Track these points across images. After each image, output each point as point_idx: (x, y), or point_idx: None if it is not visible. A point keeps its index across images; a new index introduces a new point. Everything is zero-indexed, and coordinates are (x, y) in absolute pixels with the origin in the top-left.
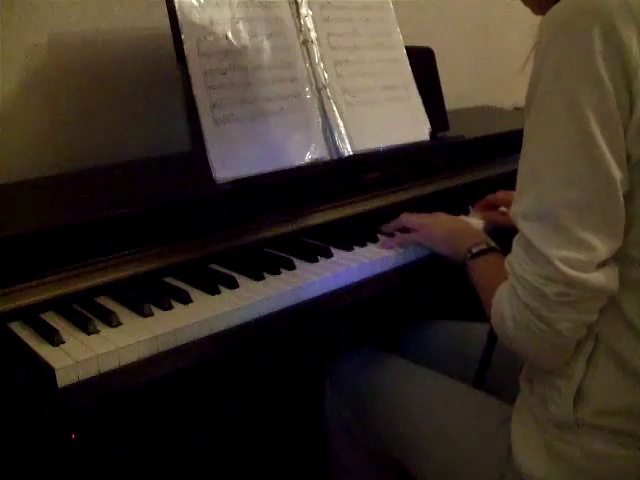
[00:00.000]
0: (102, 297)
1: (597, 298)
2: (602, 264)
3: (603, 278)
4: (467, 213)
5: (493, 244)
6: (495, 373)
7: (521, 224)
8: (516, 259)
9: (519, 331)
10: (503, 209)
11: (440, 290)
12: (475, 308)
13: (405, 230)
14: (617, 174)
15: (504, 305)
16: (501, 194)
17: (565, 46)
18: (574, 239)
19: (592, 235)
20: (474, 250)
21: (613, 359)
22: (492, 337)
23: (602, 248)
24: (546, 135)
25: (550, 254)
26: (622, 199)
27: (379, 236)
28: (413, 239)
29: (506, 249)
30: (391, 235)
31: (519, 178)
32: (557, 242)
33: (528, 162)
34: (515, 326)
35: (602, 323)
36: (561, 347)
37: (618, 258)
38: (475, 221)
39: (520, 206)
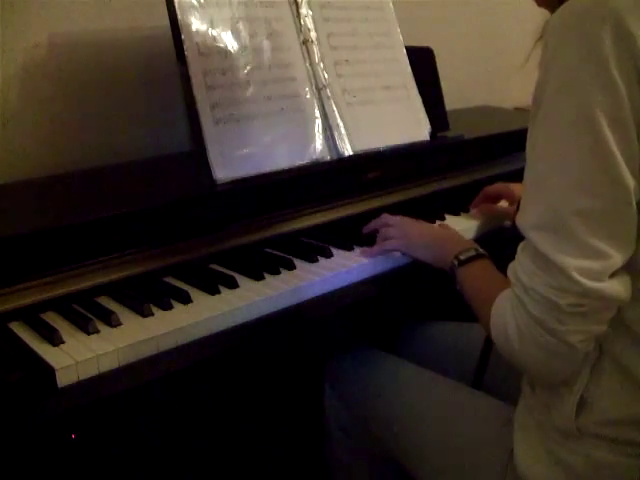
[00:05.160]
0: (102, 297)
1: (609, 308)
2: (614, 273)
3: (617, 286)
4: (467, 213)
5: (481, 250)
6: (494, 373)
7: (531, 234)
8: (524, 270)
9: (525, 345)
10: (503, 202)
11: (440, 290)
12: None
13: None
14: (630, 181)
15: (507, 317)
16: (499, 185)
17: (575, 49)
18: (588, 248)
19: (606, 243)
20: (462, 257)
21: (618, 369)
22: (489, 339)
23: (617, 256)
24: (556, 142)
25: (566, 264)
26: (635, 207)
27: (355, 247)
28: (393, 247)
29: (500, 251)
30: (371, 236)
31: (526, 188)
32: (571, 252)
33: (536, 170)
34: (520, 339)
35: (607, 334)
36: (571, 361)
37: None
38: (471, 222)
39: (530, 216)
